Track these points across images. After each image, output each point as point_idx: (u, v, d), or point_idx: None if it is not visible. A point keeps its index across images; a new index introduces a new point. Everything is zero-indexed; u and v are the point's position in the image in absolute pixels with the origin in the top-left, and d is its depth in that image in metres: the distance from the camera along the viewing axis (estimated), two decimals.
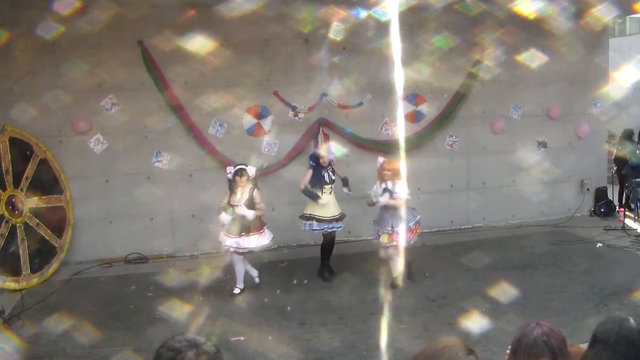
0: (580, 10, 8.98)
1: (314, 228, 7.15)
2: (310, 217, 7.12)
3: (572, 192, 10.27)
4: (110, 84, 8.01)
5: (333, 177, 7.22)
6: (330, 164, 7.24)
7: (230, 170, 6.60)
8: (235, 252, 6.65)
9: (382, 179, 6.81)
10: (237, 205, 6.52)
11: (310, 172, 7.18)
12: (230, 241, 6.59)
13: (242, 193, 6.55)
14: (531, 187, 9.70)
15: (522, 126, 9.83)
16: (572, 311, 5.93)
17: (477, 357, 1.81)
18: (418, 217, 6.93)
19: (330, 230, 7.19)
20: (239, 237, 6.55)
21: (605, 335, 2.25)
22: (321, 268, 7.38)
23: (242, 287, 6.77)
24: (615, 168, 10.55)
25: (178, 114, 8.25)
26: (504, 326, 5.22)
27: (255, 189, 6.62)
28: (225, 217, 6.53)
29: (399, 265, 6.74)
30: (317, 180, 7.11)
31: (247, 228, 6.55)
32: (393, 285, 6.72)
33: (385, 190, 6.72)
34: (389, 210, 6.75)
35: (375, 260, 6.93)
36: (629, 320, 2.28)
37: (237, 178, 6.49)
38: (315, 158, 7.24)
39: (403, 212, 6.66)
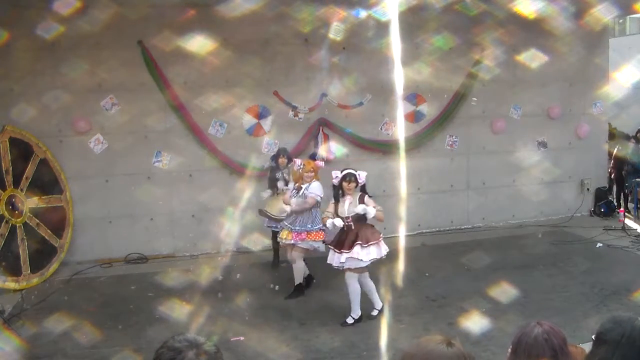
0: (580, 10, 8.98)
1: (267, 225, 7.46)
2: (266, 214, 7.39)
3: (572, 192, 10.27)
4: (110, 84, 8.01)
5: (287, 178, 7.32)
6: (287, 165, 7.37)
7: (337, 175, 5.84)
8: (348, 268, 5.77)
9: (302, 181, 6.47)
10: (344, 216, 5.76)
11: (269, 172, 7.46)
12: (343, 257, 5.72)
13: (352, 201, 5.80)
14: (531, 187, 9.71)
15: (522, 126, 9.83)
16: (572, 311, 5.93)
17: (458, 348, 1.81)
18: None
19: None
20: (351, 250, 5.70)
21: (613, 334, 2.23)
22: (276, 262, 7.70)
23: (359, 314, 5.89)
24: (610, 168, 10.47)
25: (179, 113, 8.25)
26: (504, 326, 5.23)
27: (367, 196, 5.81)
28: (337, 222, 5.75)
29: (301, 273, 6.58)
30: (274, 180, 7.36)
31: (364, 238, 5.72)
32: (292, 295, 6.60)
33: (299, 191, 6.46)
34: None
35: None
36: (638, 319, 2.26)
37: (345, 184, 5.75)
38: (275, 157, 7.49)
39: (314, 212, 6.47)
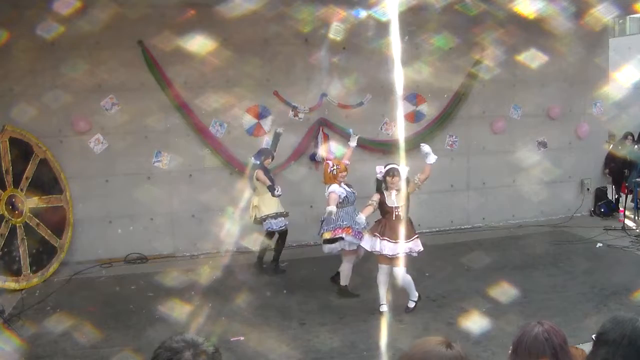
0: (580, 10, 8.99)
1: (282, 225, 7.32)
2: (277, 215, 7.26)
3: (572, 192, 10.27)
4: (110, 84, 8.01)
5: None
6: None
7: (380, 170, 6.09)
8: (384, 259, 5.96)
9: (336, 181, 6.42)
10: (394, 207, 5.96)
11: (262, 172, 7.26)
12: (397, 247, 5.86)
13: (397, 195, 5.98)
14: (531, 187, 9.70)
15: (522, 126, 9.83)
16: (572, 311, 5.93)
17: (457, 350, 1.80)
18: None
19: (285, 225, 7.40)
20: (396, 241, 5.87)
21: (614, 335, 2.22)
22: (276, 265, 7.52)
23: (417, 297, 6.13)
24: (607, 169, 10.45)
25: (182, 112, 8.24)
26: (504, 326, 5.24)
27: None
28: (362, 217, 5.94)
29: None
30: (271, 180, 7.27)
31: (407, 233, 5.91)
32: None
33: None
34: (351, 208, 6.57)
35: (375, 261, 6.91)
36: (639, 320, 2.26)
37: (389, 179, 5.94)
38: (259, 156, 7.32)
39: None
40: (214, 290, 6.68)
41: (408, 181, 6.04)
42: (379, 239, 5.93)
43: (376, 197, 6.04)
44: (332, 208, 6.14)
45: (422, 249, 6.04)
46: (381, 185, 6.08)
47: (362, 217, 5.93)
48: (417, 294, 6.14)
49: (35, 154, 7.59)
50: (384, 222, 6.01)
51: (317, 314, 6.15)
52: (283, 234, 7.46)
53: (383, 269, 6.03)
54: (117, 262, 8.12)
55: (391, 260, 5.92)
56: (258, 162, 7.29)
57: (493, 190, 9.85)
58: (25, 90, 7.69)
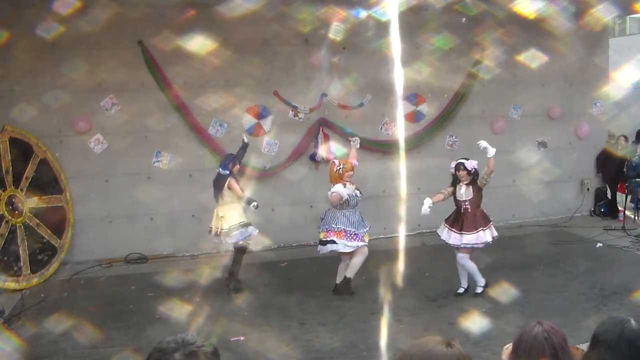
0: (580, 10, 8.99)
1: (247, 235, 6.82)
2: (242, 225, 6.77)
3: (572, 192, 10.27)
4: (110, 84, 8.02)
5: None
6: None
7: (452, 165, 6.48)
8: (463, 248, 6.37)
9: (342, 181, 6.38)
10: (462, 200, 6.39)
11: (234, 181, 6.76)
12: (464, 238, 6.32)
13: (467, 189, 6.39)
14: (531, 187, 9.70)
15: (522, 126, 9.82)
16: (572, 311, 5.92)
17: (457, 349, 1.80)
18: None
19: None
20: (460, 232, 6.33)
21: (607, 336, 2.23)
22: (237, 280, 6.87)
23: (466, 287, 6.53)
24: (601, 170, 10.44)
25: (181, 112, 8.25)
26: (504, 326, 5.24)
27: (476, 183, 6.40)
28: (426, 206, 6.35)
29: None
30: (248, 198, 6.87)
31: (479, 223, 6.37)
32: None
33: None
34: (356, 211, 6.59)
35: (375, 261, 6.92)
36: (630, 321, 2.26)
37: (458, 173, 6.37)
38: (227, 165, 6.75)
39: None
40: (214, 290, 6.68)
41: (478, 174, 6.41)
42: (447, 228, 6.46)
43: (449, 188, 6.49)
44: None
45: (489, 239, 6.40)
46: (456, 179, 6.45)
47: (428, 201, 6.36)
48: (483, 280, 6.45)
49: (35, 154, 7.60)
50: (454, 213, 6.48)
51: (317, 314, 6.14)
52: (242, 249, 6.86)
53: (458, 256, 6.44)
54: (117, 262, 8.12)
55: (457, 248, 6.40)
56: (228, 172, 6.69)
57: (493, 190, 9.78)
58: (25, 90, 7.69)
